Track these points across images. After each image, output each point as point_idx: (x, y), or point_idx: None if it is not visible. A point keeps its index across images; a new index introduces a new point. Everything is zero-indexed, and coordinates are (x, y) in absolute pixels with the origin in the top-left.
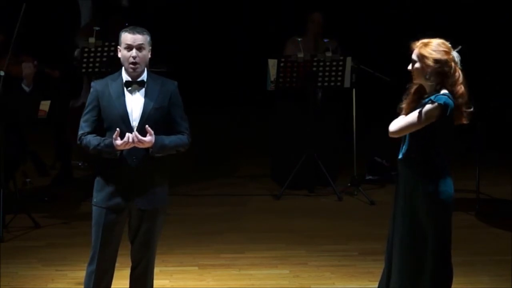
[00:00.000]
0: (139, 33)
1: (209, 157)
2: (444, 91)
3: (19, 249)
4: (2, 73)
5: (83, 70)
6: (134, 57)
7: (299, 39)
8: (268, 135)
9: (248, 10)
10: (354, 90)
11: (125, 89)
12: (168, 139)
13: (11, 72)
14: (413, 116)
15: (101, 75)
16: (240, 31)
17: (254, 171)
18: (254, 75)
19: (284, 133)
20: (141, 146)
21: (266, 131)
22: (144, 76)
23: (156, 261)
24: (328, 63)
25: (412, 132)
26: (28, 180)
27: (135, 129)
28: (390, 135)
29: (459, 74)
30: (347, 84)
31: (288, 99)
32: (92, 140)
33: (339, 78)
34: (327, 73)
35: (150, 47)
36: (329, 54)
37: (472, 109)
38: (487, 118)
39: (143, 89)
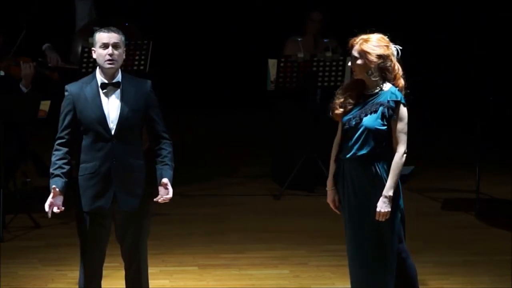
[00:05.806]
0: (114, 32)
1: (209, 157)
2: (389, 86)
3: (19, 249)
4: (2, 73)
5: (83, 70)
6: (110, 54)
7: (299, 39)
8: (268, 135)
9: (248, 10)
10: None
11: (100, 91)
12: (170, 167)
13: (11, 72)
14: (403, 126)
15: None
16: (240, 31)
17: (254, 171)
18: (254, 75)
19: (284, 133)
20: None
21: (266, 131)
22: (119, 77)
23: (156, 261)
24: (328, 63)
25: (369, 131)
26: (28, 180)
27: (112, 132)
28: (405, 157)
29: (398, 67)
30: None
31: (288, 99)
32: (53, 163)
33: (339, 78)
34: (327, 73)
35: (125, 48)
36: (329, 54)
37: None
38: (487, 117)
39: (119, 91)
